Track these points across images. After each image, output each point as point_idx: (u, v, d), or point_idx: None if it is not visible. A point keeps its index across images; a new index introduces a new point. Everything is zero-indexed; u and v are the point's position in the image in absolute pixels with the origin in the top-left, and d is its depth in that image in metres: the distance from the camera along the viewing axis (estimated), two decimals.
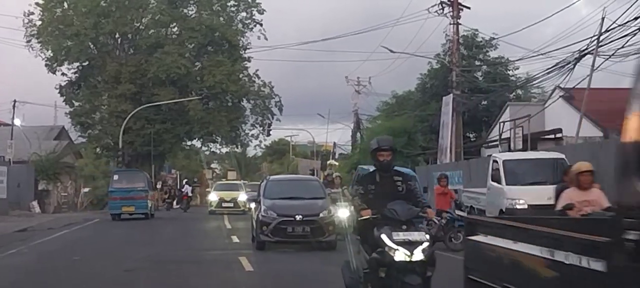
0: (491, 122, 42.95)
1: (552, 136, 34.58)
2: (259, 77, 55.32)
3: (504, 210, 20.58)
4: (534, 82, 34.80)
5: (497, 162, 22.34)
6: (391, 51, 37.01)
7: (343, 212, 20.21)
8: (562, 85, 31.92)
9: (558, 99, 34.42)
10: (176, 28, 54.33)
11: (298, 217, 19.50)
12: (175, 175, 69.91)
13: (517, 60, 41.57)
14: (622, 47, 23.00)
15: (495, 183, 22.14)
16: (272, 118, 56.37)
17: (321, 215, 19.76)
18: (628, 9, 21.82)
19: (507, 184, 21.25)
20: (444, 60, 41.93)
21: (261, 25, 54.18)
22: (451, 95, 36.53)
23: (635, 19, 20.30)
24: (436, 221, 21.94)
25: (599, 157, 22.39)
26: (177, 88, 52.70)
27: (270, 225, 19.42)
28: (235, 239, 23.75)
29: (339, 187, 23.09)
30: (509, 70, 46.33)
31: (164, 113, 53.17)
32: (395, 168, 9.45)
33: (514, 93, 46.04)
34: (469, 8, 36.62)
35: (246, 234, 24.19)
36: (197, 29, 52.47)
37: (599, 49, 25.01)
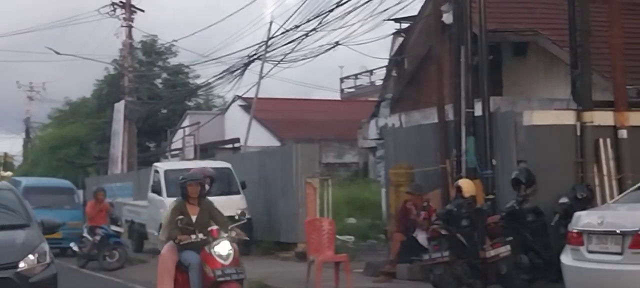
0: (173, 130, 41.75)
1: (231, 145, 34.22)
2: None
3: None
4: (205, 88, 33.90)
5: (158, 172, 20.91)
6: (57, 53, 34.39)
7: None
8: (234, 91, 31.49)
9: (232, 105, 33.99)
10: None
11: None
12: None
13: (191, 65, 40.54)
14: (291, 52, 22.57)
15: (155, 195, 20.69)
16: None
17: (23, 264, 9.77)
18: (292, 16, 21.53)
19: (168, 196, 19.65)
20: (121, 66, 39.91)
21: None
22: (123, 102, 34.60)
23: (297, 27, 19.78)
24: (89, 238, 20.03)
25: (266, 164, 22.27)
26: None
27: None
28: None
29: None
30: (190, 77, 45.34)
31: None
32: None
33: (193, 101, 45.11)
34: (142, 11, 34.87)
35: None
36: None
37: (268, 55, 24.38)
